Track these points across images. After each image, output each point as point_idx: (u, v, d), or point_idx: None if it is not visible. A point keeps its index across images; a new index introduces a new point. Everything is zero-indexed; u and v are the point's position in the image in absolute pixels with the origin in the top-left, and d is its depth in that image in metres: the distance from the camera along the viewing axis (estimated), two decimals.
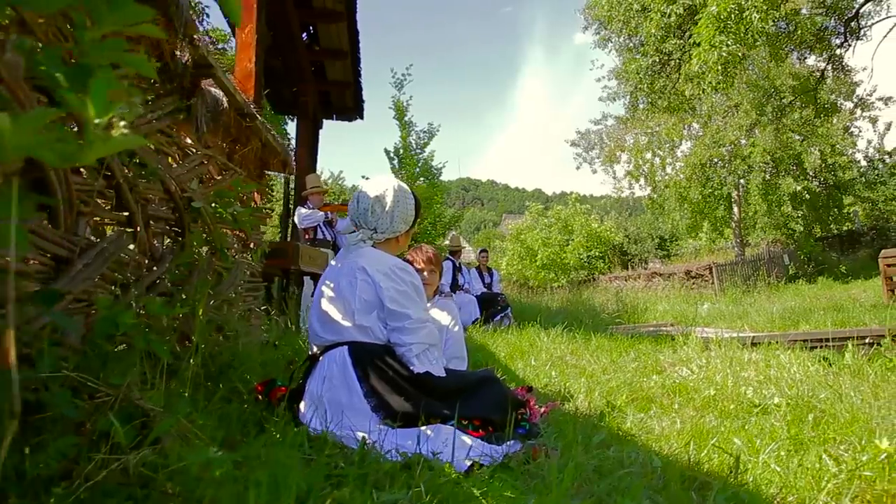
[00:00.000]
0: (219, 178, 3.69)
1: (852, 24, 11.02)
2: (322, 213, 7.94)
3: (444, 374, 2.53)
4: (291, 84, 8.66)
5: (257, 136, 3.88)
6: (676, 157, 24.12)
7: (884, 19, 11.90)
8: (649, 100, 9.15)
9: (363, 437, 2.07)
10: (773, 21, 7.10)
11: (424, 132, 14.14)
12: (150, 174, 2.39)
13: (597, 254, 29.05)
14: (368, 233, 2.69)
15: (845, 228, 24.96)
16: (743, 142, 21.24)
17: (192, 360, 2.05)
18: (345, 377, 2.40)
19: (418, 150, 13.95)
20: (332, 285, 2.63)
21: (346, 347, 2.46)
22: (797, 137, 20.51)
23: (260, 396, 2.63)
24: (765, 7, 6.31)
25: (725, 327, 8.48)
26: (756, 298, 16.11)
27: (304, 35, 8.03)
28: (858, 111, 22.82)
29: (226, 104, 3.23)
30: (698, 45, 6.89)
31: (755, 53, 13.56)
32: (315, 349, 2.63)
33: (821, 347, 5.48)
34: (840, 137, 21.64)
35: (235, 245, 4.03)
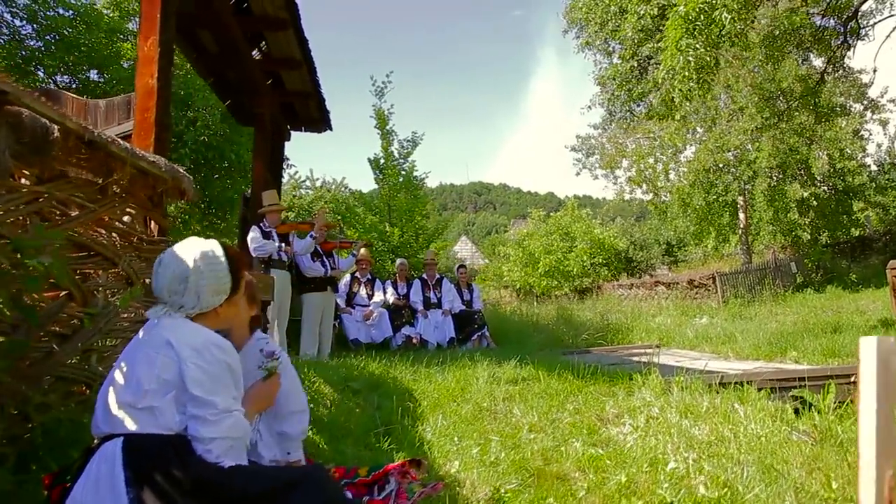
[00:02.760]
0: (75, 214, 3.23)
1: (851, 23, 10.40)
2: (275, 244, 7.47)
3: (246, 473, 2.03)
4: (247, 96, 8.22)
5: (126, 164, 3.39)
6: (680, 163, 23.42)
7: (886, 18, 11.30)
8: (627, 107, 8.54)
9: None
10: (752, 22, 6.58)
11: (408, 141, 13.67)
12: None
13: (600, 261, 28.44)
14: (176, 306, 2.20)
15: (856, 234, 24.14)
16: (749, 147, 20.52)
17: None
18: (112, 480, 1.89)
19: (401, 161, 13.47)
20: (125, 362, 2.13)
21: (120, 440, 1.96)
22: (803, 142, 19.78)
23: (46, 492, 2.15)
24: (736, 7, 5.75)
25: (710, 352, 7.92)
26: (758, 311, 15.48)
27: (262, 45, 7.57)
28: (868, 114, 22.06)
29: (56, 133, 2.75)
30: (666, 49, 6.37)
31: (756, 54, 12.99)
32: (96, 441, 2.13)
33: (798, 387, 4.91)
34: (849, 141, 20.87)
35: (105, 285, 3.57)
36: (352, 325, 9.94)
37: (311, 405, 3.98)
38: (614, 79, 9.11)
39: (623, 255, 30.00)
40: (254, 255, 7.47)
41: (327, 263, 8.46)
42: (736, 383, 4.77)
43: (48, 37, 14.06)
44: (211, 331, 2.21)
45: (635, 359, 7.77)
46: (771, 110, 15.95)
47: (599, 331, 10.19)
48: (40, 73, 13.77)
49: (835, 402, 4.72)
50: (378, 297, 10.28)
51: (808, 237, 20.36)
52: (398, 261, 11.10)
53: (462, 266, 11.75)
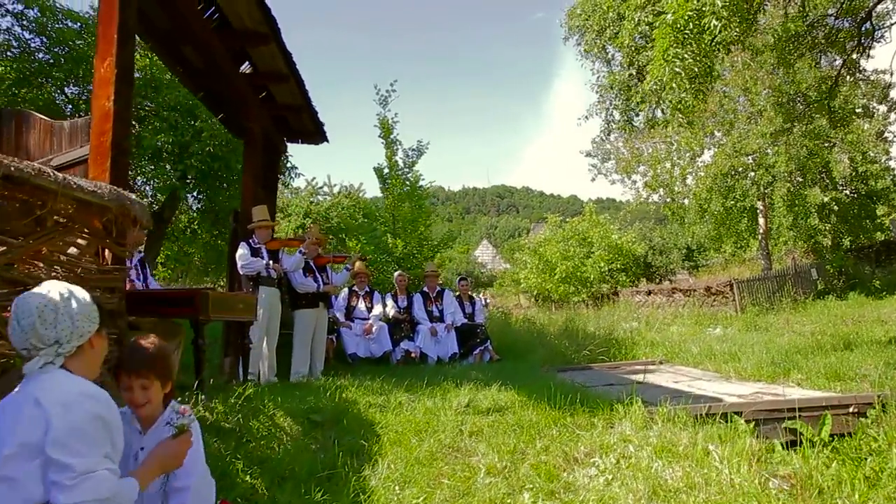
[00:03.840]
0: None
1: (866, 25, 10.02)
2: (263, 262, 7.32)
3: None
4: (236, 110, 8.12)
5: (58, 195, 3.23)
6: (697, 167, 22.93)
7: None
8: (626, 116, 8.24)
9: None
10: (752, 27, 6.27)
11: (413, 150, 13.47)
12: None
13: (618, 267, 28.03)
14: (52, 351, 2.02)
15: (880, 239, 23.46)
16: (768, 150, 20.00)
17: None
18: None
19: (405, 170, 13.27)
20: None
21: None
22: (823, 145, 19.26)
23: None
24: (726, 14, 5.44)
25: (713, 370, 7.63)
26: (775, 320, 15.04)
27: (249, 59, 7.45)
28: (893, 115, 21.43)
29: None
30: (654, 59, 6.06)
31: (768, 58, 12.60)
32: None
33: (792, 418, 4.61)
34: (872, 144, 20.27)
35: None
36: (350, 340, 9.78)
37: (264, 441, 3.80)
38: (612, 87, 8.84)
39: (642, 261, 29.50)
40: (241, 272, 7.33)
41: (320, 279, 8.29)
42: (724, 414, 4.49)
43: (56, 49, 14.11)
44: (86, 382, 2.03)
45: (633, 377, 7.50)
46: (787, 114, 15.48)
47: (603, 345, 9.91)
48: (49, 85, 13.76)
49: (830, 436, 4.45)
50: (377, 309, 10.10)
51: (829, 242, 19.80)
52: (396, 273, 10.91)
53: (463, 278, 11.52)
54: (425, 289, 10.64)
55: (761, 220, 22.18)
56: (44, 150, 4.93)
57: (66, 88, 14.62)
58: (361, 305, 10.17)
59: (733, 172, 20.45)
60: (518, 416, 4.54)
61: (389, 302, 10.46)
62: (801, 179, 19.88)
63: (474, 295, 11.35)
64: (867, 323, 13.40)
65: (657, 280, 30.23)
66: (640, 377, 7.60)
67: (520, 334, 11.06)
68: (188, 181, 14.84)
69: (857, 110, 19.00)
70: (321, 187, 36.44)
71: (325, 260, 8.63)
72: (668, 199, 23.26)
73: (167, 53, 7.01)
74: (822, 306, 18.13)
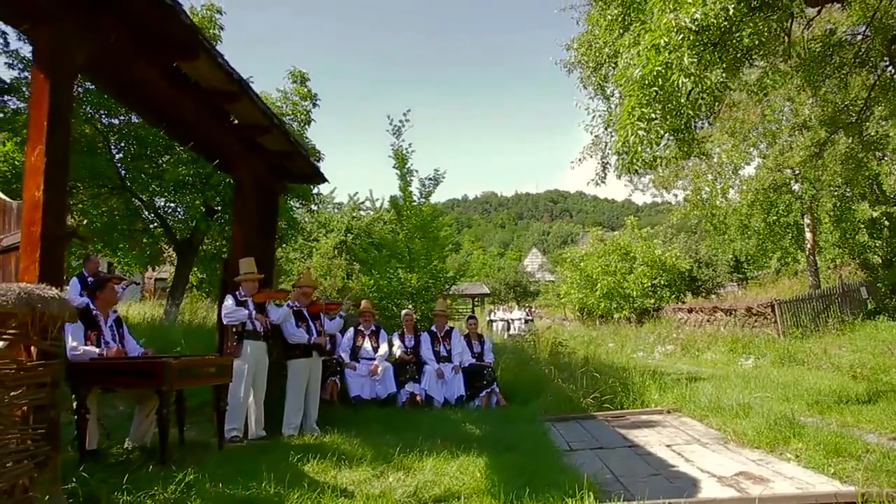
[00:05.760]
0: None
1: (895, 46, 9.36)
2: (245, 311, 7.25)
3: None
4: (223, 162, 8.10)
5: None
6: (742, 179, 22.00)
7: None
8: (619, 160, 7.85)
9: None
10: (735, 79, 5.79)
11: (430, 180, 13.27)
12: None
13: (662, 282, 27.27)
14: None
15: None
16: (812, 163, 19.01)
17: None
18: None
19: (421, 201, 13.09)
20: None
21: None
22: (872, 157, 18.23)
23: None
24: (693, 70, 5.00)
25: (716, 427, 7.21)
26: (815, 346, 14.26)
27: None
28: None
29: None
30: (622, 117, 5.65)
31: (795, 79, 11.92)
32: None
33: None
34: None
35: None
36: (354, 382, 9.66)
37: None
38: (607, 127, 8.39)
39: (686, 275, 28.63)
40: (225, 322, 7.29)
41: (314, 327, 8.18)
42: None
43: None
44: None
45: (632, 433, 7.15)
46: (829, 128, 14.68)
47: (616, 385, 9.52)
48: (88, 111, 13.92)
49: None
50: (383, 349, 9.97)
51: (881, 259, 18.74)
52: (403, 312, 10.73)
53: (472, 317, 11.29)
54: (433, 328, 10.45)
55: (808, 235, 21.17)
56: None
57: (101, 114, 14.84)
58: (367, 345, 10.05)
59: (775, 187, 19.55)
60: None
61: (396, 341, 10.31)
62: (848, 194, 18.87)
63: (483, 335, 11.05)
64: None
65: (703, 294, 29.29)
66: (638, 433, 7.26)
67: (528, 375, 10.73)
68: (217, 207, 15.06)
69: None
70: (363, 202, 36.66)
71: (319, 307, 8.52)
72: (710, 214, 22.39)
73: (144, 114, 7.02)
74: (871, 328, 17.18)
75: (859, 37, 10.14)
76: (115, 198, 14.92)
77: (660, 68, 5.01)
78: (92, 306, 6.21)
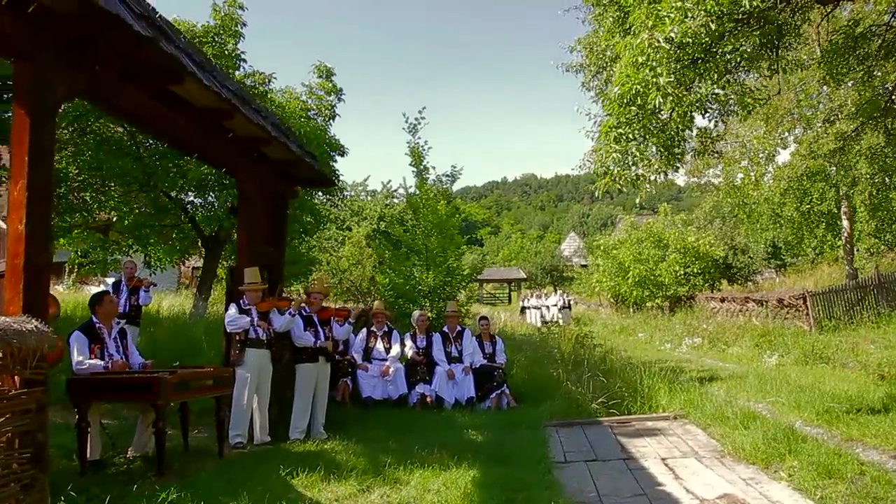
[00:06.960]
0: None
1: None
2: (247, 318, 7.39)
3: None
4: (228, 172, 8.24)
5: None
6: (774, 167, 21.38)
7: None
8: (617, 170, 7.69)
9: None
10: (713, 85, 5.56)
11: (447, 176, 13.26)
12: None
13: (695, 270, 26.80)
14: None
15: None
16: (848, 150, 18.37)
17: None
18: None
19: (437, 198, 13.08)
20: None
21: None
22: None
23: None
24: (671, 90, 4.84)
25: (717, 439, 7.11)
26: (842, 343, 13.88)
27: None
28: None
29: None
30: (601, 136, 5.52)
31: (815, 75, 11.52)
32: None
33: None
34: None
35: None
36: (366, 383, 9.79)
37: None
38: (608, 134, 8.20)
39: (721, 263, 28.03)
40: (228, 330, 7.45)
41: (321, 333, 8.30)
42: None
43: None
44: None
45: (631, 443, 7.11)
46: (866, 113, 14.15)
47: (625, 388, 9.46)
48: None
49: None
50: (395, 349, 10.07)
51: None
52: (415, 313, 10.80)
53: (484, 318, 11.27)
54: (445, 328, 10.50)
55: (845, 223, 20.51)
56: None
57: None
58: (380, 346, 10.17)
59: (810, 174, 18.94)
60: None
61: (409, 342, 10.40)
62: (887, 181, 18.17)
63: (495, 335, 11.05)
64: None
65: (739, 281, 28.71)
66: (638, 443, 7.21)
67: (539, 376, 10.73)
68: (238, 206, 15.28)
69: None
70: (396, 189, 36.79)
71: (329, 313, 8.64)
72: (741, 202, 21.85)
73: (144, 131, 7.16)
74: None
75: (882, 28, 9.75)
76: (144, 195, 15.27)
77: (639, 86, 4.92)
78: (96, 319, 6.38)
